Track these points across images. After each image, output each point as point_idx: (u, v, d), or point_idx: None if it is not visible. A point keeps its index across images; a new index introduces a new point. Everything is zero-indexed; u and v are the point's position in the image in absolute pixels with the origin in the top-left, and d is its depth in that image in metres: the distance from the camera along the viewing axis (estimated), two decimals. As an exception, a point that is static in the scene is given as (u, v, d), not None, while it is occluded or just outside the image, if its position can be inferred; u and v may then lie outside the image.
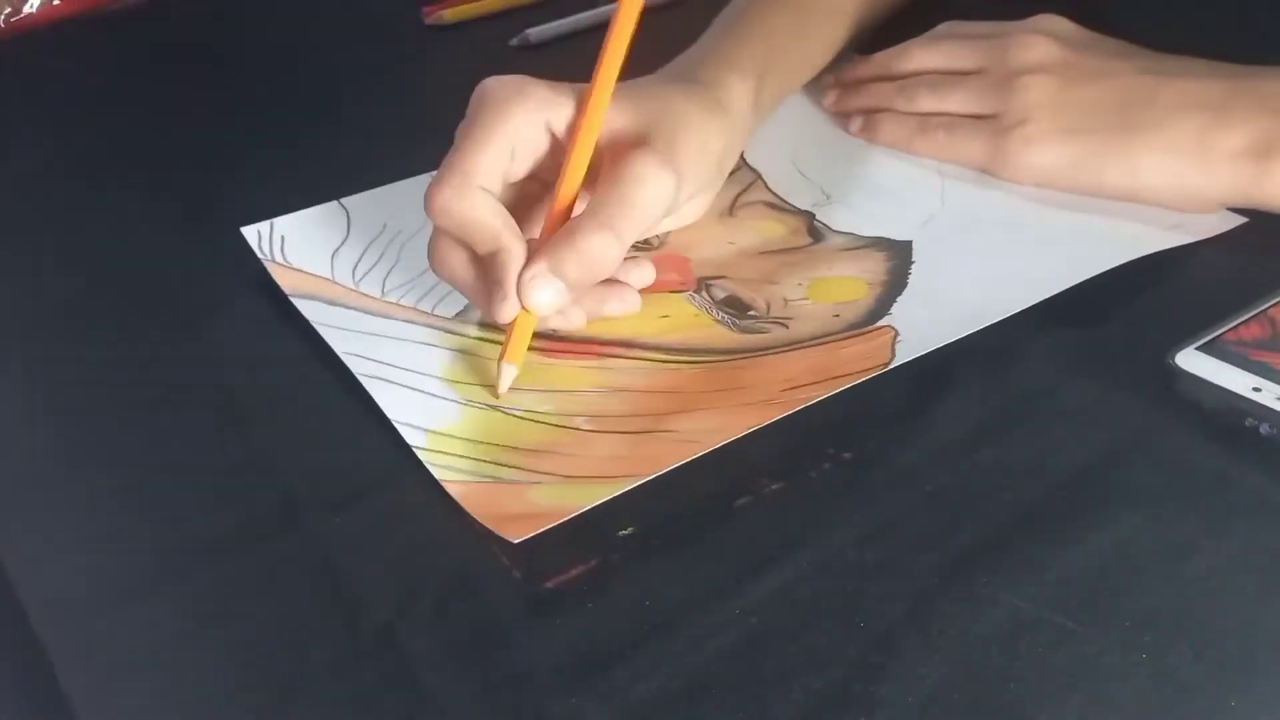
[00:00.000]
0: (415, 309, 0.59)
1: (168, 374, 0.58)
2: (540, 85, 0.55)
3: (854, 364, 0.54)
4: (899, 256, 0.62)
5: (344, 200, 0.67)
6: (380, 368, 0.55)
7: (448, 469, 0.50)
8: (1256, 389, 0.48)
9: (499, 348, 0.54)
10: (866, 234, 0.64)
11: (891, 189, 0.67)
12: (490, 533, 0.47)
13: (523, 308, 0.53)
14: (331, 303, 0.60)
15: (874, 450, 0.50)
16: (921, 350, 0.54)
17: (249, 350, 0.59)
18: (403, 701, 0.41)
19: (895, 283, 0.60)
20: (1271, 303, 0.52)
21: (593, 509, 0.48)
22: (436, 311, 0.59)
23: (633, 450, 0.51)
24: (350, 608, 0.45)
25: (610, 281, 0.56)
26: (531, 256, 0.53)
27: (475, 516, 0.47)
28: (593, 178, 0.55)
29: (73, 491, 0.52)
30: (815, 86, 0.76)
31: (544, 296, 0.52)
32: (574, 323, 0.56)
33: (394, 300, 0.60)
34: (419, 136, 0.72)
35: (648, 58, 0.61)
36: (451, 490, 0.49)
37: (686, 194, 0.57)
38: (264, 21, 0.95)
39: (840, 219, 0.65)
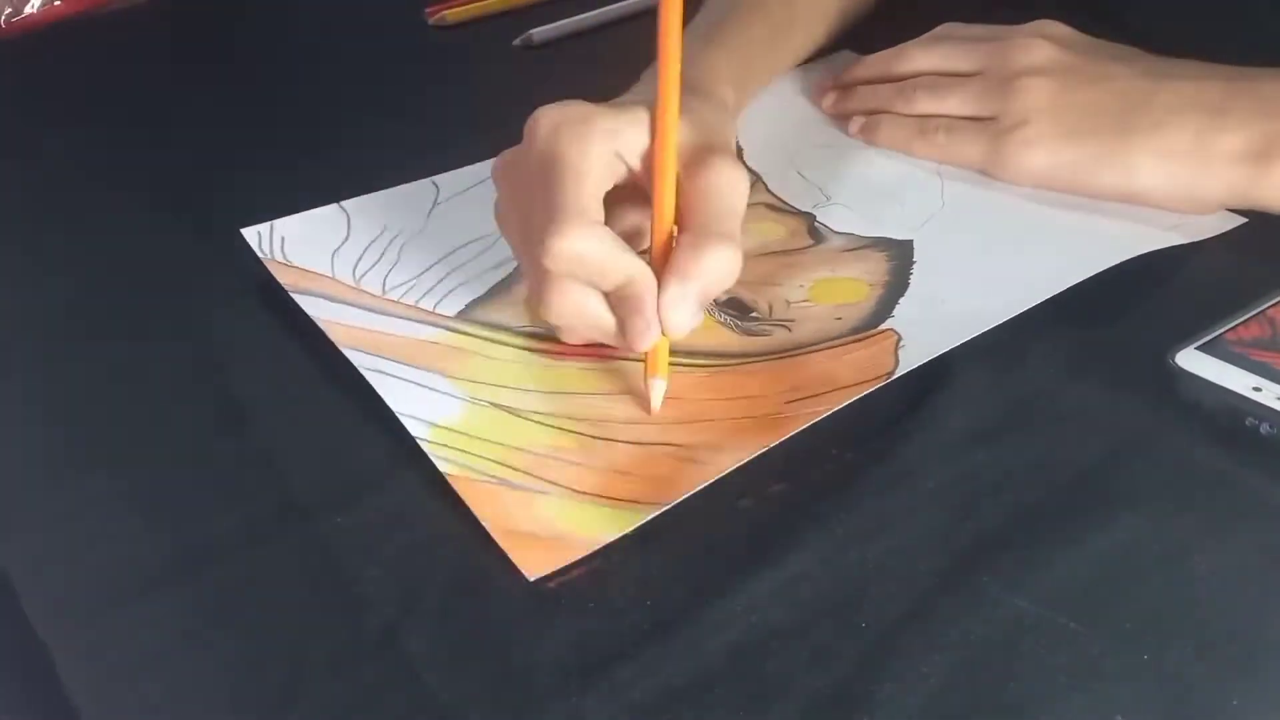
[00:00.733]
0: (417, 307, 0.59)
1: (168, 374, 0.58)
2: (599, 111, 0.54)
3: (858, 373, 0.54)
4: (900, 256, 0.62)
5: (344, 203, 0.67)
6: (382, 362, 0.55)
7: (452, 463, 0.50)
8: (1257, 389, 0.48)
9: (501, 347, 0.55)
10: (867, 234, 0.64)
11: (891, 189, 0.67)
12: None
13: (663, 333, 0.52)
14: (332, 299, 0.60)
15: (876, 450, 0.50)
16: (925, 357, 0.54)
17: (249, 351, 0.59)
18: (404, 701, 0.41)
19: (897, 284, 0.60)
20: (1271, 303, 0.52)
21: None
22: (438, 310, 0.59)
23: (640, 467, 0.50)
24: (352, 607, 0.45)
25: None
26: (662, 281, 0.52)
27: (491, 533, 0.47)
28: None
29: (74, 492, 0.52)
30: (813, 89, 0.76)
31: (685, 318, 0.52)
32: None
33: (395, 298, 0.60)
34: (421, 136, 0.72)
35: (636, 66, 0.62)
36: (457, 486, 0.49)
37: None
38: (265, 22, 0.95)
39: (840, 220, 0.65)
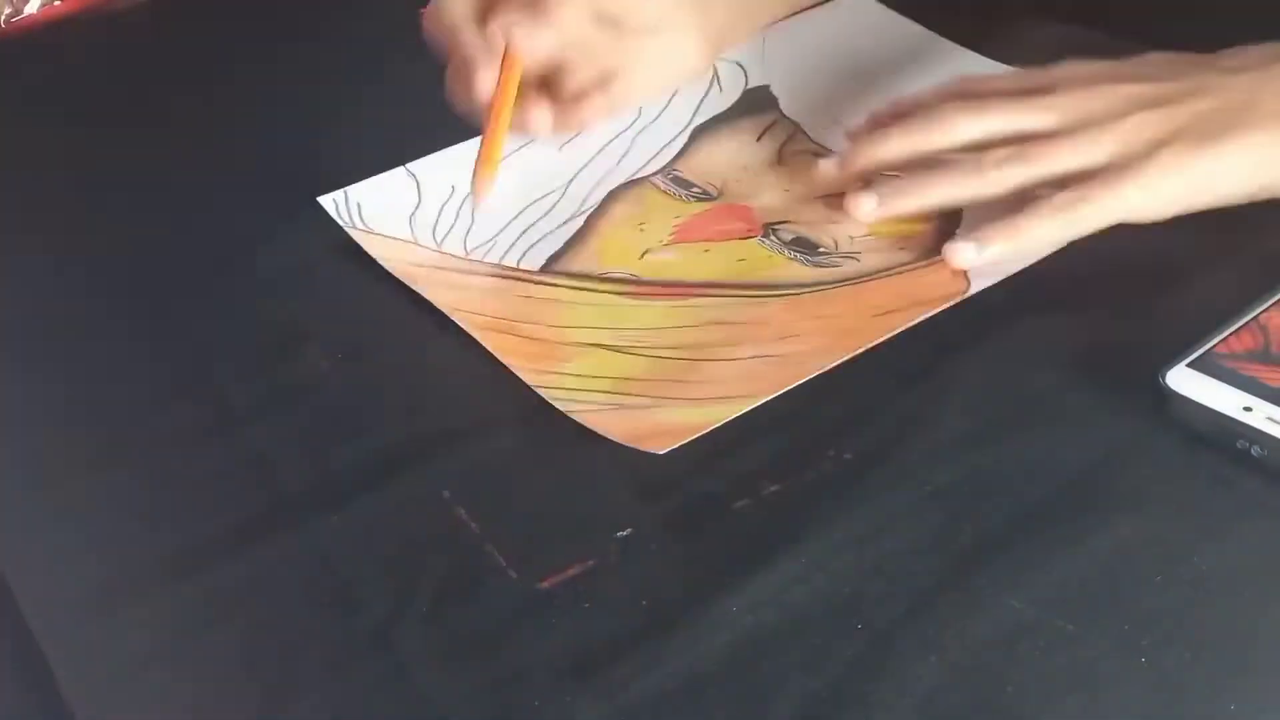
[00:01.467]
0: (502, 265, 0.62)
1: (162, 375, 0.58)
2: None
3: (934, 291, 0.56)
4: None
5: (409, 165, 0.69)
6: (480, 318, 0.58)
7: (570, 402, 0.53)
8: (1248, 408, 0.47)
9: (590, 293, 0.59)
10: None
11: None
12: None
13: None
14: (421, 265, 0.62)
15: (873, 451, 0.50)
16: (996, 278, 0.57)
17: (242, 351, 0.59)
18: (399, 701, 0.41)
19: (950, 215, 0.62)
20: (1263, 308, 0.52)
21: (594, 505, 0.48)
22: (522, 265, 0.62)
23: (745, 373, 0.53)
24: (347, 607, 0.45)
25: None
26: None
27: (610, 436, 0.50)
28: None
29: (69, 493, 0.52)
30: (847, 34, 0.77)
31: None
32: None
33: (479, 259, 0.63)
34: (417, 136, 0.72)
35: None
36: (580, 418, 0.51)
37: None
38: (264, 22, 0.95)
39: None
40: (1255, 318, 0.52)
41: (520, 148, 0.70)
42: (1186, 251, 0.59)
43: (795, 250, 0.61)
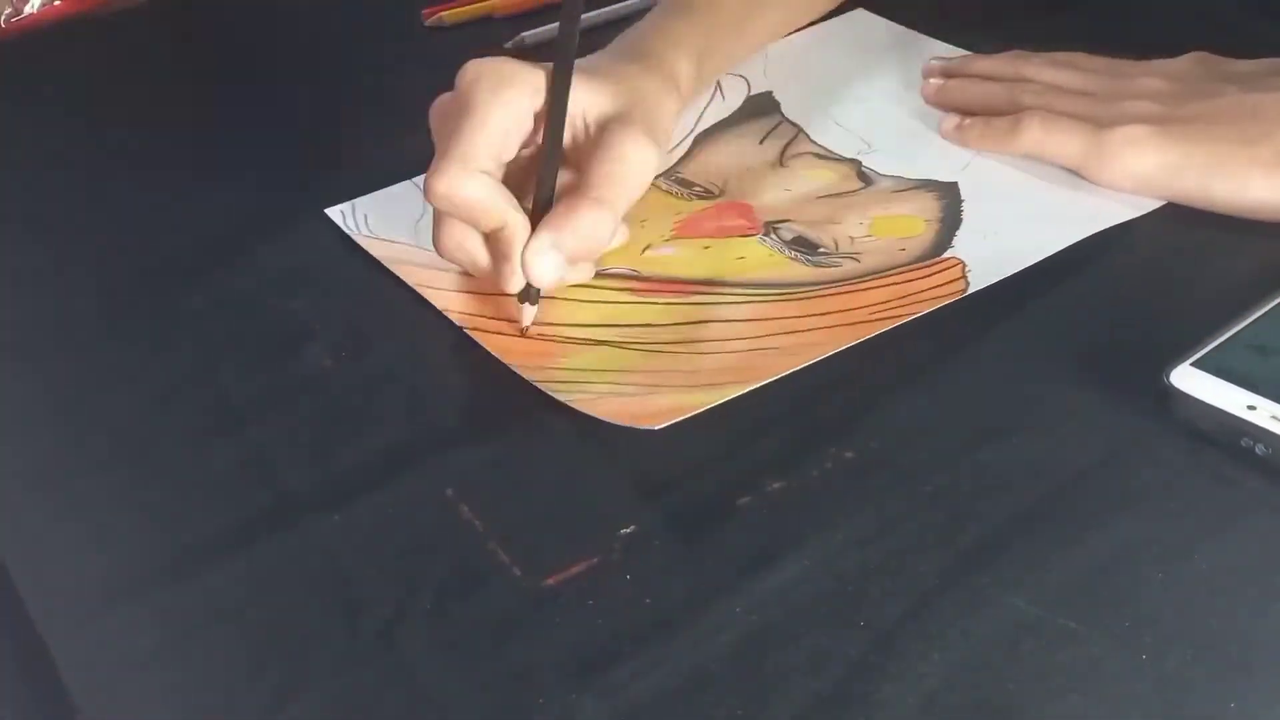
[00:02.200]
0: None
1: (164, 374, 0.58)
2: (524, 68, 0.57)
3: (934, 291, 0.57)
4: (949, 196, 0.65)
5: (415, 179, 0.69)
6: (479, 320, 0.58)
7: (568, 393, 0.53)
8: (1251, 406, 0.47)
9: (589, 290, 0.59)
10: (913, 177, 0.67)
11: (928, 137, 0.70)
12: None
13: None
14: (424, 266, 0.62)
15: (876, 450, 0.50)
16: (994, 278, 0.57)
17: (245, 351, 0.59)
18: (402, 700, 0.41)
19: (951, 219, 0.62)
20: (1266, 307, 0.52)
21: (598, 502, 0.48)
22: None
23: (743, 362, 0.54)
24: (350, 606, 0.45)
25: None
26: (534, 232, 0.56)
27: (603, 418, 0.51)
28: (581, 154, 0.58)
29: (73, 492, 0.52)
30: (847, 44, 0.78)
31: (547, 269, 0.55)
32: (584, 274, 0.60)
33: None
34: (416, 138, 0.72)
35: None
36: (577, 406, 0.52)
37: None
38: (264, 23, 0.95)
39: (885, 165, 0.68)
40: (1260, 316, 0.52)
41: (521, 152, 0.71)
42: (1190, 249, 0.59)
43: (795, 249, 0.62)
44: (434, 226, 0.57)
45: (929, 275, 0.58)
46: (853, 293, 0.58)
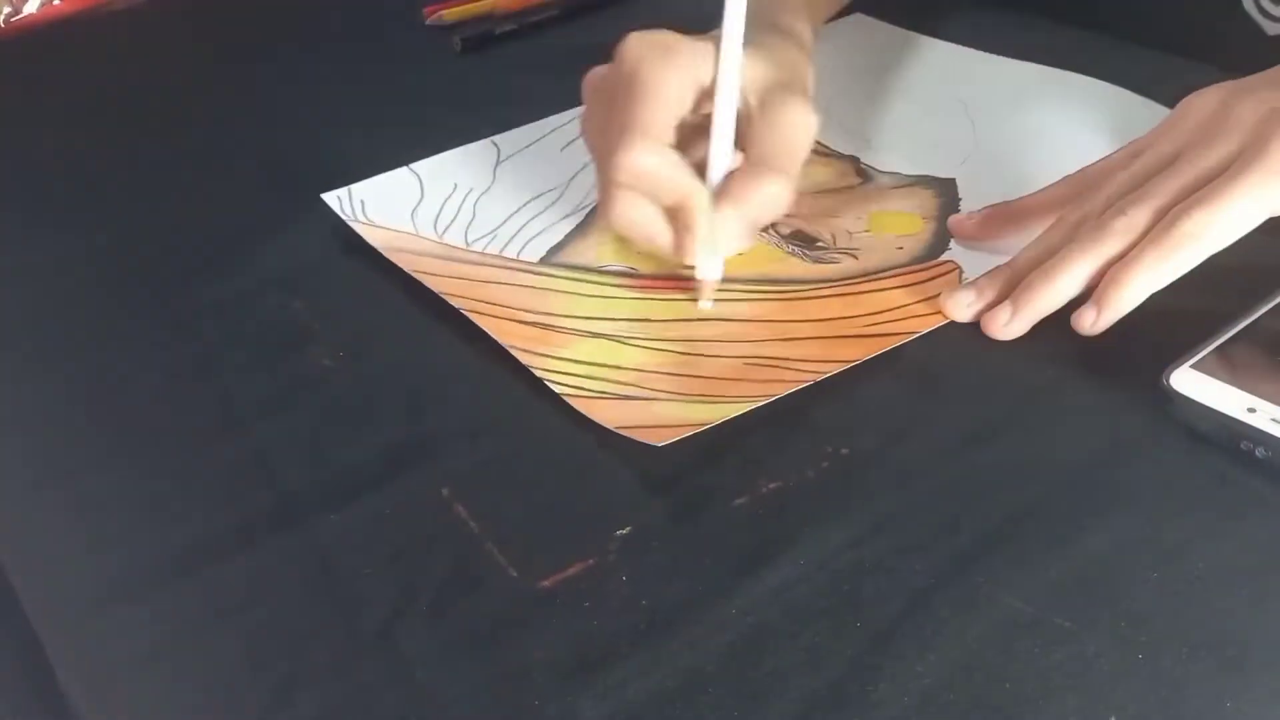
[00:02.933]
0: (502, 256, 0.63)
1: (164, 374, 0.58)
2: (685, 40, 0.58)
3: (931, 306, 0.57)
4: (946, 193, 0.65)
5: (413, 165, 0.70)
6: (479, 304, 0.59)
7: (568, 387, 0.53)
8: (1251, 409, 0.47)
9: (589, 284, 0.60)
10: (911, 173, 0.67)
11: (926, 132, 0.70)
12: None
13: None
14: (421, 254, 0.63)
15: (871, 449, 0.50)
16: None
17: (244, 350, 0.59)
18: (400, 700, 0.41)
19: (948, 217, 0.62)
20: (1266, 310, 0.52)
21: (594, 504, 0.48)
22: (522, 257, 0.63)
23: (740, 374, 0.54)
24: (348, 606, 0.45)
25: None
26: (718, 203, 0.57)
27: (606, 425, 0.51)
28: (745, 124, 0.58)
29: (71, 491, 0.52)
30: (845, 44, 0.79)
31: (732, 239, 0.57)
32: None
33: (479, 250, 0.63)
34: (418, 136, 0.72)
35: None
36: (574, 403, 0.52)
37: None
38: (264, 22, 0.95)
39: (883, 161, 0.69)
40: (1260, 318, 0.52)
41: (521, 149, 0.71)
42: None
43: (793, 244, 0.62)
44: (606, 200, 0.57)
45: (926, 281, 0.58)
46: (850, 295, 0.58)
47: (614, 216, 0.57)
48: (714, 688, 0.41)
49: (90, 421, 0.56)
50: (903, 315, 0.57)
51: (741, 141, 0.58)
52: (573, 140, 0.70)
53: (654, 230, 0.58)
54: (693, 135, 0.59)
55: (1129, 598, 0.43)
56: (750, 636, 0.42)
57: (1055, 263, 0.54)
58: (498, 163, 0.71)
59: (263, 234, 0.67)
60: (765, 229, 0.63)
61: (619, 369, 0.55)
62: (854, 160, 0.69)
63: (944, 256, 0.60)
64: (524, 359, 0.55)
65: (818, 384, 0.53)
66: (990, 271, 0.57)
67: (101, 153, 0.79)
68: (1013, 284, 0.55)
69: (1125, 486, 0.47)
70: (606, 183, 0.57)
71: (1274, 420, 0.47)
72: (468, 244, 0.64)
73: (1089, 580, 0.43)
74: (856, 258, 0.61)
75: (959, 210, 0.63)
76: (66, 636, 0.46)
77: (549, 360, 0.55)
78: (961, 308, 0.56)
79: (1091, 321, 0.53)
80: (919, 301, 0.57)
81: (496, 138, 0.73)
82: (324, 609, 0.45)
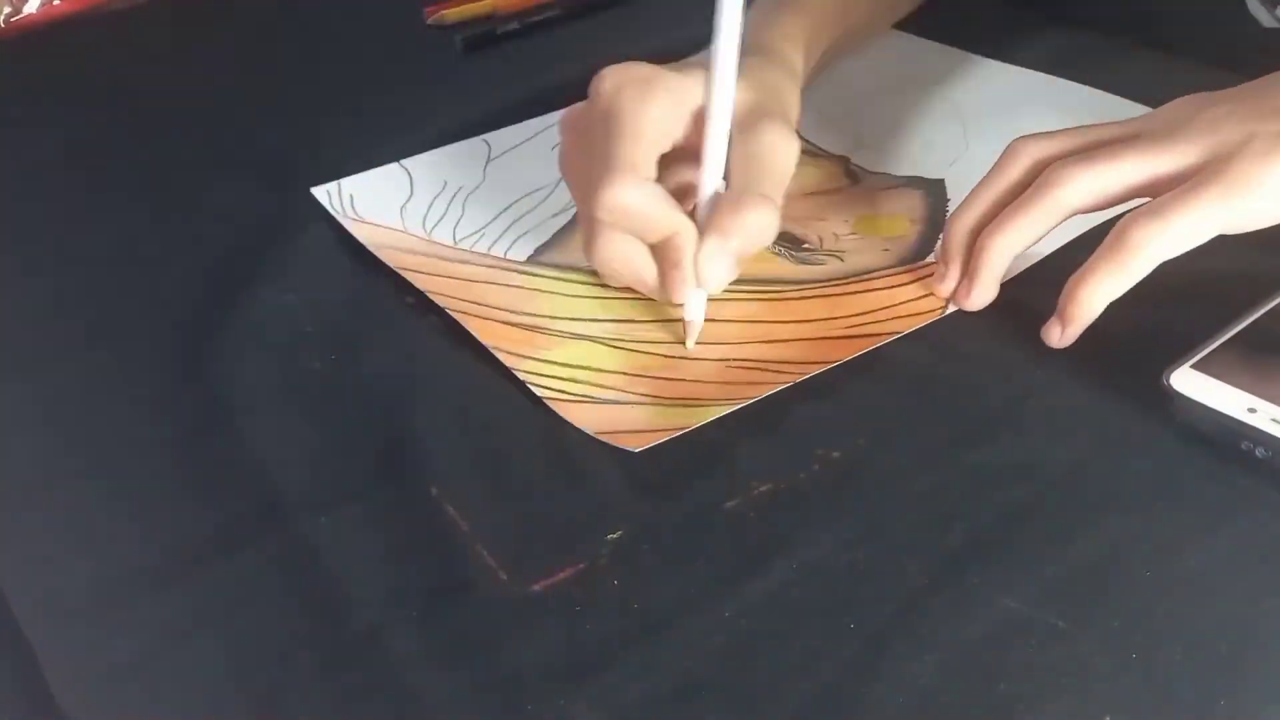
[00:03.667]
0: (489, 254, 0.63)
1: (154, 378, 0.58)
2: (662, 72, 0.57)
3: (914, 307, 0.57)
4: (935, 195, 0.65)
5: (403, 161, 0.70)
6: (465, 304, 0.59)
7: (548, 389, 0.53)
8: (1252, 409, 0.47)
9: (574, 285, 0.60)
10: (900, 174, 0.67)
11: (916, 133, 0.70)
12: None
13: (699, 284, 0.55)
14: (409, 251, 0.63)
15: (863, 451, 0.49)
16: None
17: (234, 353, 0.58)
18: (389, 704, 0.41)
19: (936, 220, 0.63)
20: (1266, 309, 0.52)
21: (585, 507, 0.48)
22: (509, 256, 0.63)
23: (721, 376, 0.54)
24: (337, 610, 0.45)
25: None
26: (701, 237, 0.54)
27: (584, 429, 0.51)
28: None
29: (60, 496, 0.52)
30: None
31: (720, 272, 0.55)
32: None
33: (467, 248, 0.63)
34: (418, 136, 0.72)
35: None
36: (554, 406, 0.52)
37: None
38: (264, 22, 0.95)
39: (873, 161, 0.68)
40: (1259, 319, 0.51)
41: (512, 148, 0.72)
42: (1189, 251, 0.58)
43: (780, 245, 0.62)
44: (590, 241, 0.55)
45: (911, 283, 0.58)
46: (835, 296, 0.58)
47: (599, 256, 0.55)
48: (707, 691, 0.41)
49: (77, 423, 0.56)
50: (886, 316, 0.57)
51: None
52: None
53: (640, 267, 0.55)
54: (669, 163, 0.57)
55: (1123, 597, 0.42)
56: (743, 640, 0.42)
57: (994, 225, 0.55)
58: (488, 160, 0.71)
59: (257, 235, 0.66)
60: None
61: (601, 372, 0.54)
62: (844, 160, 0.69)
63: (929, 259, 0.60)
64: (507, 360, 0.55)
65: (808, 386, 0.53)
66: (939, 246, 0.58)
67: (101, 152, 0.79)
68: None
69: (1122, 486, 0.47)
70: (590, 221, 0.55)
71: (1274, 420, 0.46)
72: (455, 241, 0.64)
73: (1082, 580, 0.43)
74: (843, 260, 0.61)
75: (947, 211, 0.62)
76: (58, 640, 0.45)
77: (532, 362, 0.55)
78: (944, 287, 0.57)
79: (1059, 335, 0.53)
80: (902, 303, 0.57)
81: (488, 135, 0.73)
82: (313, 611, 0.45)
